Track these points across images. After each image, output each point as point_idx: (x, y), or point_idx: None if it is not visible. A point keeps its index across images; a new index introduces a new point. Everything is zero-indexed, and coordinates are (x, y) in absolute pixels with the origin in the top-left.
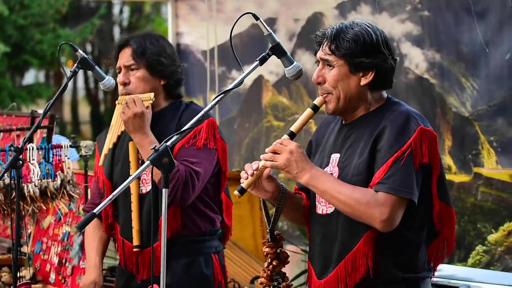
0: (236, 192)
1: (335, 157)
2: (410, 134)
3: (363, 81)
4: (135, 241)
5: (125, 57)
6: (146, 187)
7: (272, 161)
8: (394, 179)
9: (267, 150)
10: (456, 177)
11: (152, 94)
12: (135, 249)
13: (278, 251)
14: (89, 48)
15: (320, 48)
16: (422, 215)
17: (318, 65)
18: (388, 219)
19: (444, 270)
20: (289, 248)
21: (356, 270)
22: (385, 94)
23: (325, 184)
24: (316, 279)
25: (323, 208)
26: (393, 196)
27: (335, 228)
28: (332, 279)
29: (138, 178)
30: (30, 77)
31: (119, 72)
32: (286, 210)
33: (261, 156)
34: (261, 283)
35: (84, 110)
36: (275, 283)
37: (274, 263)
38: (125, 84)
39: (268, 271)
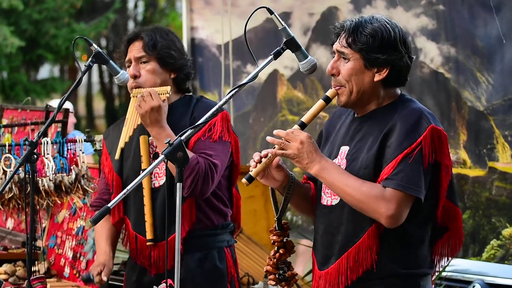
0: (244, 180)
1: (344, 149)
2: (421, 132)
3: (377, 77)
4: (149, 235)
5: (136, 50)
6: (159, 181)
7: (282, 149)
8: (403, 176)
9: (275, 132)
10: (471, 171)
11: (168, 88)
12: (148, 243)
13: (285, 240)
14: (103, 42)
15: (338, 40)
16: (428, 212)
17: (334, 57)
18: (394, 215)
19: (459, 265)
20: (303, 242)
21: (359, 263)
22: (398, 90)
23: (334, 176)
24: (317, 270)
25: (328, 199)
26: (401, 192)
27: (339, 219)
28: (333, 270)
29: (150, 172)
30: (45, 71)
31: (129, 66)
32: (294, 200)
33: (268, 139)
34: (266, 271)
35: (99, 105)
36: (281, 272)
37: (280, 251)
38: (135, 77)
39: (274, 259)
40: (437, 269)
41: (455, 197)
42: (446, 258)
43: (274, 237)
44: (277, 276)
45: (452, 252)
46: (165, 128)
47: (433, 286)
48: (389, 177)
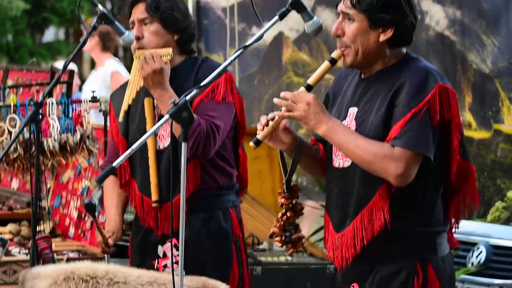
0: (251, 143)
1: (353, 111)
2: (429, 90)
3: (382, 37)
4: (154, 196)
5: (139, 11)
6: (164, 143)
7: (289, 111)
8: (411, 135)
9: (282, 94)
10: (476, 133)
11: (170, 49)
12: (154, 204)
13: (294, 202)
14: (108, 5)
15: (342, 1)
16: (440, 171)
17: (339, 18)
18: (403, 173)
19: (463, 226)
20: (308, 203)
21: (372, 223)
22: (404, 50)
23: (342, 137)
24: (333, 232)
25: (340, 161)
26: (409, 151)
27: (352, 181)
28: (348, 232)
29: (155, 134)
30: (50, 34)
31: (132, 27)
32: (303, 161)
33: (275, 100)
34: (273, 233)
35: None
36: (287, 234)
37: (288, 214)
38: (138, 39)
39: (281, 221)
40: (455, 228)
41: (467, 154)
42: (462, 216)
43: (282, 200)
44: (283, 238)
45: (471, 208)
46: (168, 90)
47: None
48: (398, 136)
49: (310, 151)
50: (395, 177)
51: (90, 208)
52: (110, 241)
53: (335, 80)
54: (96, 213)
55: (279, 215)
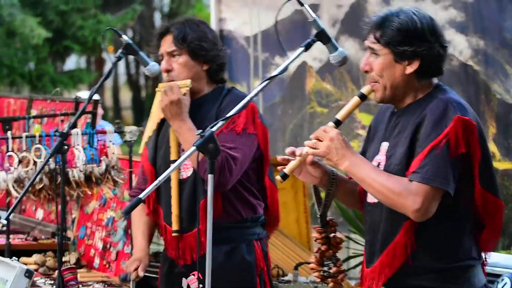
0: (278, 177)
1: (385, 145)
2: (448, 123)
3: (409, 70)
4: (174, 226)
5: (167, 44)
6: (187, 172)
7: (314, 148)
8: (428, 169)
9: (311, 136)
10: (501, 164)
11: (189, 81)
12: (174, 234)
13: (331, 236)
14: (130, 34)
15: (368, 36)
16: (465, 204)
17: (367, 53)
18: (421, 208)
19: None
20: None
21: (397, 259)
22: (435, 81)
23: (363, 172)
24: (365, 267)
25: (371, 196)
26: (426, 185)
27: (379, 217)
28: (376, 268)
29: None
30: (72, 62)
31: (162, 59)
32: (340, 195)
33: (305, 143)
34: (311, 269)
35: (126, 96)
36: (326, 268)
37: (322, 248)
38: (168, 71)
39: (317, 256)
40: (485, 260)
41: (496, 188)
42: (490, 251)
43: (315, 234)
44: (321, 273)
45: (493, 247)
46: (186, 121)
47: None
48: (416, 170)
49: (346, 184)
50: (413, 212)
51: (125, 281)
52: (141, 274)
53: (376, 114)
54: (121, 244)
55: (315, 250)
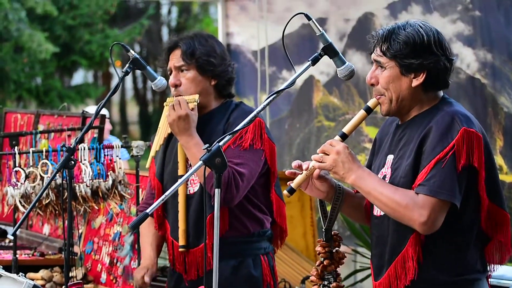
0: (285, 192)
1: (390, 158)
2: (454, 135)
3: (415, 83)
4: (181, 241)
5: (175, 58)
6: (194, 188)
7: (320, 162)
8: (434, 181)
9: (318, 150)
10: (508, 177)
11: (196, 96)
12: (180, 249)
13: (334, 250)
14: (137, 48)
15: (374, 49)
16: (471, 217)
17: (373, 66)
18: (427, 221)
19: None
20: None
21: (405, 272)
22: (440, 93)
23: (369, 185)
24: (373, 280)
25: (378, 209)
26: (433, 198)
27: (386, 230)
28: (384, 281)
29: (186, 179)
30: (79, 77)
31: (170, 74)
32: (346, 209)
33: (312, 157)
34: (311, 281)
35: (133, 111)
36: (326, 283)
37: (325, 262)
38: (176, 86)
39: (318, 269)
40: (491, 273)
41: (502, 200)
42: (496, 264)
43: (319, 248)
44: (320, 287)
45: (501, 259)
46: (194, 136)
47: None
48: (422, 183)
49: (353, 199)
50: (419, 225)
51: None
52: (146, 279)
53: (381, 127)
54: (128, 259)
55: (317, 263)
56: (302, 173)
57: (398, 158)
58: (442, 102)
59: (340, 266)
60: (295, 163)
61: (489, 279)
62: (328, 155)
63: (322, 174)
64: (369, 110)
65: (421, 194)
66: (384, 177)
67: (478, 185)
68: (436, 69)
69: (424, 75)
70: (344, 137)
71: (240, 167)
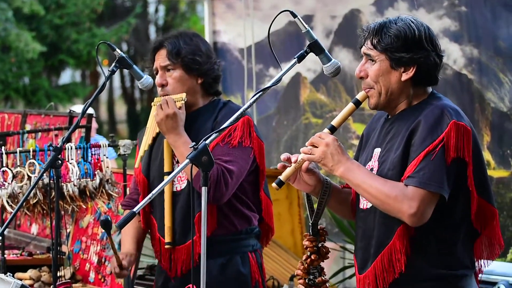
0: (274, 185)
1: (377, 151)
2: (443, 128)
3: (404, 77)
4: (167, 238)
5: (161, 58)
6: (181, 184)
7: (309, 154)
8: (424, 173)
9: (306, 143)
10: (495, 172)
11: (184, 95)
12: (166, 246)
13: (320, 245)
14: (124, 47)
15: (364, 43)
16: (461, 211)
17: (362, 60)
18: (416, 213)
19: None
20: (327, 244)
21: (392, 265)
22: (429, 89)
23: (359, 178)
24: (357, 273)
25: (364, 202)
26: (422, 190)
27: (373, 222)
28: (370, 274)
29: None
30: (66, 76)
31: (157, 74)
32: (332, 204)
33: (301, 149)
34: (297, 275)
35: (121, 109)
36: (311, 277)
37: (312, 257)
38: (163, 86)
39: (305, 264)
40: (479, 270)
41: (490, 195)
42: (485, 260)
43: (307, 243)
44: (306, 281)
45: (491, 255)
46: (182, 135)
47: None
48: (411, 175)
49: (340, 194)
50: (408, 216)
51: (106, 225)
52: (124, 263)
53: (369, 122)
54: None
55: (304, 257)
56: (291, 166)
57: (386, 151)
58: (431, 97)
59: (324, 260)
60: (284, 156)
61: (478, 275)
62: (317, 147)
63: (311, 168)
64: (358, 103)
65: (411, 186)
66: (371, 170)
67: (467, 179)
68: (426, 64)
69: (414, 70)
70: (333, 129)
71: (229, 165)
